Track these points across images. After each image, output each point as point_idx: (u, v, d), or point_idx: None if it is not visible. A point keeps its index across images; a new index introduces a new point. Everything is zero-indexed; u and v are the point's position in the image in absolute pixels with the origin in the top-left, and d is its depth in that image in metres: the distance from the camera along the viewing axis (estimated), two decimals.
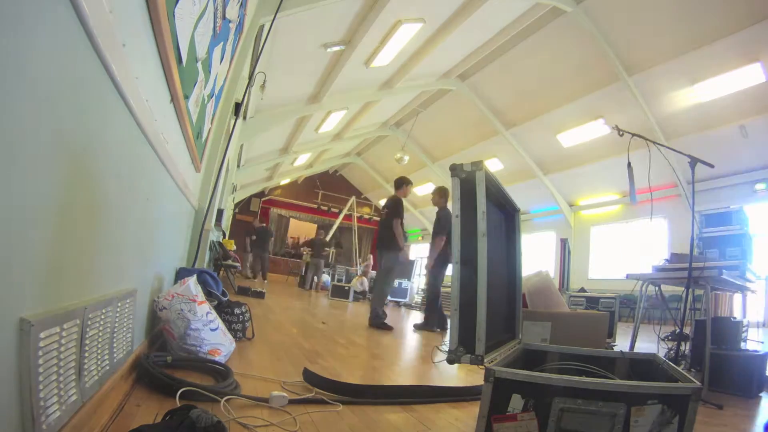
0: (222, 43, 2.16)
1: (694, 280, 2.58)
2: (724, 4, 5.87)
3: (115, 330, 1.19)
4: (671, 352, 2.84)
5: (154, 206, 1.55)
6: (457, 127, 11.44)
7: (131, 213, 1.26)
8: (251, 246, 10.84)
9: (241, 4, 2.58)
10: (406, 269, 9.54)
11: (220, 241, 6.73)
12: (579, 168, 10.02)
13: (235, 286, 6.21)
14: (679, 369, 1.32)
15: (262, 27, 3.90)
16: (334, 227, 14.91)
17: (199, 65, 1.72)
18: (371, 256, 12.75)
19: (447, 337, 4.09)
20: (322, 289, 10.66)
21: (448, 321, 1.93)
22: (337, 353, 2.67)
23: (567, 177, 10.63)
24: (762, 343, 4.44)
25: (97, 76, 0.81)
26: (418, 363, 2.89)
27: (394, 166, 13.46)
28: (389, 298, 8.78)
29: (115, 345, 1.20)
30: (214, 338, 1.87)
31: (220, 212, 5.47)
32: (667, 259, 3.15)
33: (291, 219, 18.74)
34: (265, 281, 10.24)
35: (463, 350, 1.27)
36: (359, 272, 11.78)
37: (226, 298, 2.65)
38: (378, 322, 4.41)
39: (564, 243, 9.23)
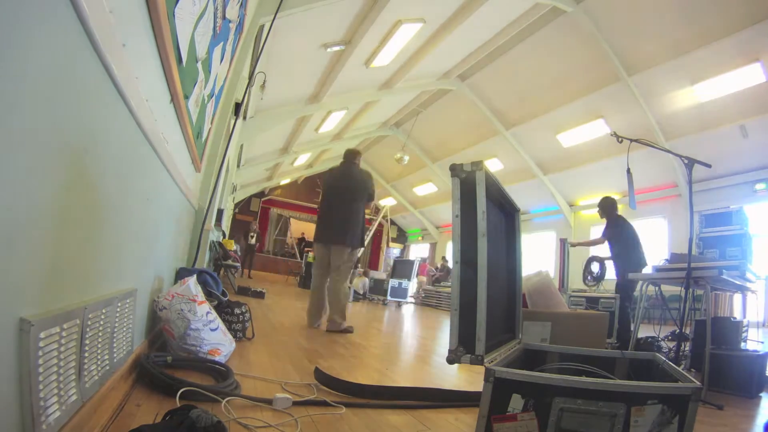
0: (222, 43, 2.16)
1: (694, 280, 2.58)
2: (724, 4, 5.87)
3: (115, 330, 1.19)
4: (671, 352, 2.84)
5: (154, 206, 1.55)
6: (457, 127, 11.45)
7: (131, 213, 1.26)
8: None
9: (241, 4, 2.58)
10: (406, 269, 9.53)
11: (220, 241, 6.73)
12: (579, 168, 10.02)
13: (235, 286, 6.21)
14: (679, 369, 1.32)
15: (262, 27, 3.90)
16: (369, 236, 15.07)
17: (199, 65, 1.72)
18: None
19: None
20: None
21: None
22: (337, 353, 2.67)
23: (567, 177, 10.64)
24: (762, 343, 4.44)
25: (97, 76, 0.81)
26: (418, 363, 2.89)
27: (394, 166, 13.48)
28: (389, 298, 8.77)
29: (115, 345, 1.20)
30: (214, 338, 1.87)
31: (220, 212, 5.48)
32: (667, 259, 3.15)
33: (291, 219, 18.77)
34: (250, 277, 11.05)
35: (463, 350, 1.27)
36: (360, 272, 11.78)
37: (226, 298, 2.65)
38: (337, 329, 3.56)
39: (564, 243, 9.24)
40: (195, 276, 1.96)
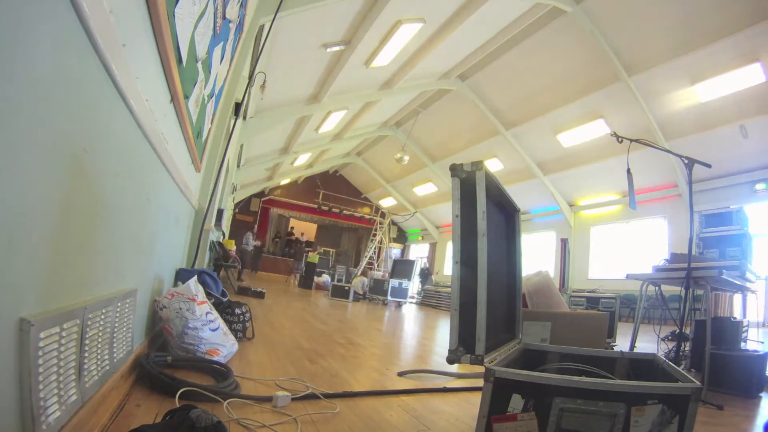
0: (222, 43, 2.16)
1: (694, 280, 2.58)
2: (723, 4, 5.87)
3: (115, 330, 1.19)
4: (671, 352, 2.84)
5: (154, 206, 1.55)
6: (457, 127, 11.45)
7: (131, 213, 1.26)
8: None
9: (241, 4, 2.58)
10: (406, 269, 9.53)
11: (220, 241, 6.73)
12: (579, 168, 10.03)
13: (235, 286, 6.21)
14: (679, 369, 1.32)
15: (262, 27, 3.90)
16: (369, 252, 15.54)
17: (199, 65, 1.72)
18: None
19: None
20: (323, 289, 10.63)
21: None
22: (337, 353, 2.67)
23: (567, 177, 10.64)
24: (762, 343, 4.44)
25: (97, 76, 0.81)
26: (418, 363, 2.88)
27: (395, 166, 13.50)
28: (390, 298, 8.77)
29: (115, 345, 1.20)
30: (214, 338, 1.87)
31: (220, 212, 5.47)
32: (667, 259, 3.15)
33: (291, 219, 18.78)
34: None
35: (463, 350, 1.27)
36: (359, 272, 11.79)
37: (225, 299, 2.65)
38: None
39: (564, 243, 9.24)
40: (196, 276, 1.97)
